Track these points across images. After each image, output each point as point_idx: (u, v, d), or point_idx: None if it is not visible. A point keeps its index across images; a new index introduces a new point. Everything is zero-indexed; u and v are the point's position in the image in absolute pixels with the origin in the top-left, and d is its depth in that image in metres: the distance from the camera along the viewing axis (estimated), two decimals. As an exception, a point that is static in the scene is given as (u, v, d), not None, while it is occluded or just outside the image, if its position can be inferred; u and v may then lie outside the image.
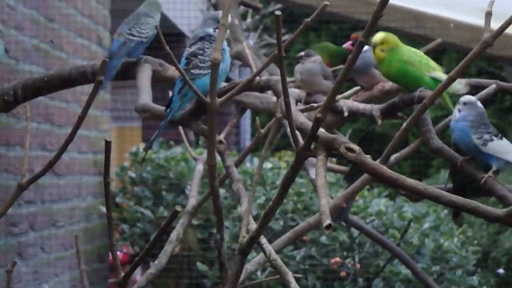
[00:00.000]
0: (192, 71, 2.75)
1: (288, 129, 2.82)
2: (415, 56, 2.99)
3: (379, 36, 2.98)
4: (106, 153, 1.95)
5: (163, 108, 2.95)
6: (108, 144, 1.95)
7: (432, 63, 3.02)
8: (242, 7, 7.13)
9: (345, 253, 5.82)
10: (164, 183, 6.02)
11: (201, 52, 2.77)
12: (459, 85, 2.68)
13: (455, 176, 3.13)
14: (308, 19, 2.83)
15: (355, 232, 5.73)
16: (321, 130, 2.12)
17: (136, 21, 3.23)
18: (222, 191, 5.80)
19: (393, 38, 3.01)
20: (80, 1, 5.28)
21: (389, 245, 4.10)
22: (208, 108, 2.18)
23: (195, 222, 5.83)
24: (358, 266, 5.79)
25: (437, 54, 10.63)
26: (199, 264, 5.77)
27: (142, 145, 6.27)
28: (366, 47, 3.36)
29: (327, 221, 1.90)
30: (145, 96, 3.08)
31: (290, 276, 2.23)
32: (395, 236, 5.77)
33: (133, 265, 2.02)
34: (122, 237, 5.95)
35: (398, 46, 3.00)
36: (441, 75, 2.95)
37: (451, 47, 4.05)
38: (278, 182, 5.87)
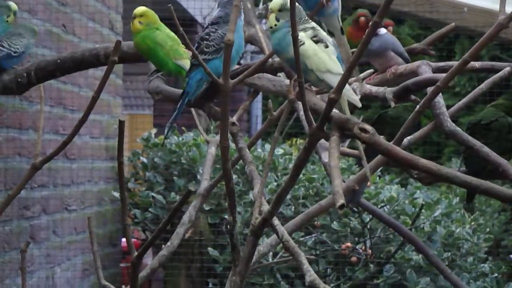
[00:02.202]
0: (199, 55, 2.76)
1: (301, 112, 2.82)
2: (168, 40, 3.13)
3: (140, 9, 3.12)
4: (120, 133, 1.95)
5: (175, 89, 2.96)
6: (121, 123, 1.95)
7: (182, 50, 3.16)
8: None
9: (356, 239, 5.82)
10: (176, 169, 6.03)
11: (207, 37, 2.79)
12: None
13: (469, 160, 3.12)
14: (321, 1, 2.82)
15: (367, 218, 5.73)
16: (335, 111, 2.12)
17: (9, 37, 3.54)
18: (234, 177, 5.80)
19: (153, 15, 3.15)
20: (93, -14, 5.28)
21: (401, 229, 4.10)
22: (221, 89, 2.18)
23: (206, 207, 5.83)
24: (369, 251, 5.79)
25: (449, 42, 10.60)
26: (210, 249, 5.78)
27: (154, 131, 6.27)
28: (383, 31, 3.36)
29: (341, 200, 1.90)
30: (158, 79, 3.10)
31: (303, 258, 2.23)
32: (407, 222, 5.76)
33: (146, 244, 2.02)
34: (134, 222, 5.96)
35: (157, 24, 3.14)
36: (186, 63, 3.10)
37: (465, 31, 4.03)
38: (290, 169, 5.86)
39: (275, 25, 2.34)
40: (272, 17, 2.34)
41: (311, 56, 2.34)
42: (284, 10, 2.34)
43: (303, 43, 2.31)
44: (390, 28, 3.54)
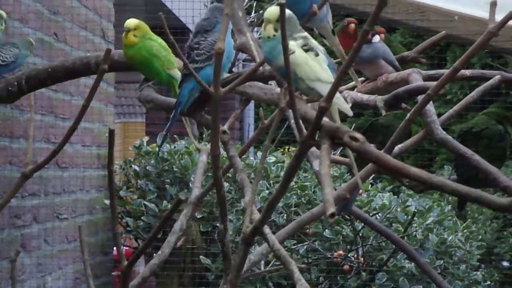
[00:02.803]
0: (190, 64, 2.77)
1: (292, 120, 2.82)
2: (162, 50, 3.12)
3: (132, 21, 3.09)
4: (110, 141, 1.95)
5: (166, 98, 2.96)
6: (112, 132, 1.95)
7: (172, 59, 3.16)
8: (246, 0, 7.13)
9: (348, 247, 5.81)
10: (168, 177, 6.02)
11: (196, 46, 2.79)
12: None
13: (460, 167, 3.13)
14: (314, 8, 2.83)
15: (359, 226, 5.73)
16: (325, 119, 2.11)
17: (1, 46, 3.56)
18: (225, 185, 5.80)
19: (145, 26, 3.14)
20: (84, -6, 5.27)
21: (393, 237, 4.10)
22: (211, 98, 2.17)
23: (198, 215, 5.83)
24: (362, 259, 5.79)
25: (440, 50, 10.63)
26: (202, 257, 5.77)
27: (146, 139, 6.27)
28: (377, 38, 3.38)
29: (331, 209, 1.89)
30: (149, 88, 3.10)
31: (294, 266, 2.22)
32: (399, 230, 5.76)
33: (137, 253, 2.02)
34: (126, 230, 5.95)
35: (149, 34, 3.13)
36: (177, 72, 3.10)
37: (455, 39, 4.04)
38: (282, 177, 5.86)
39: (274, 35, 2.31)
40: (269, 27, 2.32)
41: (301, 64, 2.34)
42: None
43: (293, 52, 2.31)
44: (382, 35, 3.55)
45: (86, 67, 3.42)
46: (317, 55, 2.35)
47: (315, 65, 2.33)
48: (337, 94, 2.22)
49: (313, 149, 2.80)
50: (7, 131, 4.13)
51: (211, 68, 2.74)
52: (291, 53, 2.27)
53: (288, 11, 2.30)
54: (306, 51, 2.35)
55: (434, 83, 2.44)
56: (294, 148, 7.71)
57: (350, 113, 2.35)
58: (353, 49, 1.99)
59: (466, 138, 3.20)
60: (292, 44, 2.31)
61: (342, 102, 2.36)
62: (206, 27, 2.83)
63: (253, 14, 9.58)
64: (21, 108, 4.23)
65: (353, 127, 6.26)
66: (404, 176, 2.04)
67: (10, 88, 3.54)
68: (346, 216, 5.65)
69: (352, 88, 3.23)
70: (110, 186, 2.00)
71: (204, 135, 6.64)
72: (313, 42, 2.40)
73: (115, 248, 6.10)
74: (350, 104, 2.92)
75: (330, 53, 3.16)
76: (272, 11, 2.32)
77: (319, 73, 2.32)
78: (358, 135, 2.05)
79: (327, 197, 1.95)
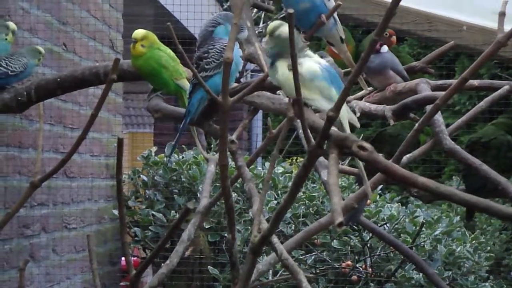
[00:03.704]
0: (200, 74, 2.78)
1: (300, 130, 2.82)
2: (171, 61, 3.13)
3: (140, 32, 3.10)
4: (119, 151, 1.95)
5: (174, 108, 2.97)
6: (120, 141, 1.95)
7: (181, 69, 3.17)
8: (255, 10, 7.14)
9: (356, 257, 5.80)
10: (176, 187, 6.03)
11: (205, 55, 2.81)
12: (353, 115, 2.56)
13: (469, 178, 3.12)
14: (322, 18, 2.84)
15: (367, 236, 5.72)
16: (333, 129, 2.11)
17: (9, 56, 3.57)
18: (233, 195, 5.80)
19: (153, 36, 3.14)
20: (93, 5, 5.29)
21: (401, 247, 4.09)
22: (220, 107, 2.18)
23: (206, 225, 5.83)
24: (370, 270, 5.78)
25: (449, 61, 10.62)
26: (210, 267, 5.77)
27: (154, 149, 6.28)
28: (385, 48, 3.38)
29: (339, 219, 1.89)
30: (157, 98, 3.11)
31: (302, 276, 2.22)
32: (407, 241, 5.75)
33: (145, 262, 2.02)
34: (134, 240, 5.95)
35: (157, 44, 3.14)
36: (185, 82, 3.11)
37: (464, 49, 4.04)
38: (289, 187, 5.85)
39: (271, 47, 2.34)
40: (266, 40, 2.36)
41: (284, 85, 2.35)
42: (273, 37, 2.33)
43: (276, 72, 2.33)
44: (394, 38, 3.54)
45: (95, 77, 3.43)
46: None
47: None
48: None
49: (321, 159, 2.80)
50: (16, 141, 4.15)
51: (219, 77, 2.76)
52: (276, 73, 2.30)
53: (282, 30, 2.32)
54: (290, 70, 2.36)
55: (443, 93, 2.44)
56: (302, 159, 7.71)
57: (357, 125, 2.35)
58: (361, 59, 1.99)
59: (475, 148, 3.20)
60: (281, 65, 2.33)
61: (348, 114, 2.37)
62: (205, 36, 2.85)
63: (261, 25, 9.60)
64: (30, 118, 4.24)
65: (361, 137, 6.26)
66: (413, 186, 2.03)
67: (19, 98, 3.56)
68: (354, 226, 5.64)
69: (360, 98, 3.24)
70: (119, 196, 2.00)
71: (212, 145, 6.64)
72: (315, 59, 2.40)
73: (123, 258, 6.10)
74: (358, 114, 2.92)
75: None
76: (270, 25, 2.35)
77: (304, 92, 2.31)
78: (367, 145, 2.05)
79: (335, 206, 1.95)
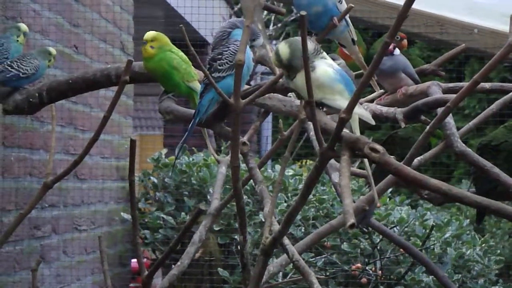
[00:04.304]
0: (213, 75, 2.79)
1: (311, 132, 2.83)
2: (182, 63, 3.12)
3: (150, 33, 3.10)
4: (131, 152, 1.96)
5: (186, 109, 2.97)
6: (133, 142, 1.96)
7: (193, 72, 3.17)
8: (265, 13, 7.15)
9: (366, 260, 5.80)
10: (186, 189, 6.03)
11: (219, 56, 2.82)
12: (366, 113, 2.54)
13: (478, 181, 3.12)
14: (334, 21, 2.84)
15: (377, 239, 5.72)
16: (345, 131, 2.12)
17: (21, 58, 3.58)
18: (244, 197, 5.80)
19: (164, 37, 3.13)
20: (104, 7, 5.31)
21: (411, 250, 4.08)
22: (232, 109, 2.19)
23: (216, 228, 5.83)
24: (380, 272, 5.77)
25: (459, 64, 10.61)
26: (220, 269, 5.77)
27: (164, 151, 6.29)
28: (397, 51, 3.38)
29: (351, 220, 1.90)
30: (169, 100, 3.12)
31: (313, 277, 2.23)
32: (417, 244, 5.74)
33: (157, 263, 2.03)
34: (144, 243, 5.96)
35: (169, 46, 3.13)
36: (197, 85, 3.11)
37: (474, 52, 4.04)
38: (300, 189, 5.85)
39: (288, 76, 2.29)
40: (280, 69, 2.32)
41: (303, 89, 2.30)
42: (284, 62, 2.29)
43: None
44: (405, 41, 3.53)
45: (107, 79, 3.44)
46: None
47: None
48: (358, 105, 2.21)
49: (332, 161, 2.81)
50: (27, 143, 4.16)
51: (231, 79, 2.76)
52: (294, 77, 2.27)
53: (292, 42, 2.27)
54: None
55: (454, 95, 2.44)
56: (312, 162, 7.71)
57: (372, 122, 2.35)
58: (374, 61, 1.99)
59: (485, 151, 3.19)
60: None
61: (362, 112, 2.36)
62: (222, 37, 2.85)
63: (271, 27, 9.61)
64: (41, 119, 4.26)
65: (371, 140, 6.25)
66: (424, 188, 2.04)
67: (31, 100, 3.57)
68: (364, 229, 5.64)
69: (372, 101, 3.24)
70: (132, 196, 2.01)
71: (222, 148, 6.65)
72: (328, 61, 2.38)
73: (132, 260, 6.11)
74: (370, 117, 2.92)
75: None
76: (281, 52, 2.26)
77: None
78: (378, 147, 2.06)
79: (347, 208, 1.96)
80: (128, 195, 3.52)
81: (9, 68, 3.57)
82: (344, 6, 2.95)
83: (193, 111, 2.99)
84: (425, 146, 2.80)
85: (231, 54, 2.81)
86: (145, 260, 6.40)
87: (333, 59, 3.21)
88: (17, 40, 3.64)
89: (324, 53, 2.35)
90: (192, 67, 3.18)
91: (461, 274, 5.96)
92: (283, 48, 2.24)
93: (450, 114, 2.67)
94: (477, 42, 3.91)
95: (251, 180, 2.72)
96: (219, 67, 2.80)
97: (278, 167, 6.29)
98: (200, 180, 5.99)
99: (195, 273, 5.84)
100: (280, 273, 5.11)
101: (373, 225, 4.00)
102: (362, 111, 2.33)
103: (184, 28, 2.25)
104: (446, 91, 3.13)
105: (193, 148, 6.40)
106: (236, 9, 9.28)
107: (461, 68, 10.62)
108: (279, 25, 9.99)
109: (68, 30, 4.71)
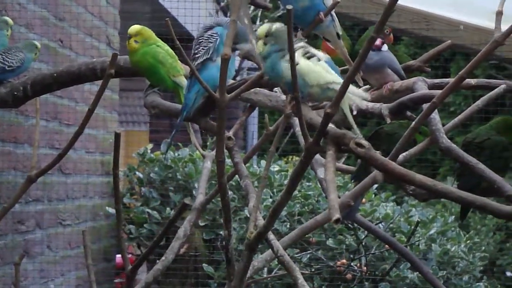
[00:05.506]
0: (193, 62, 2.79)
1: (297, 128, 2.82)
2: (168, 57, 3.11)
3: (134, 28, 3.08)
4: (116, 145, 1.95)
5: (171, 104, 2.96)
6: (117, 135, 1.95)
7: (179, 66, 3.15)
8: (252, 8, 7.14)
9: (351, 256, 5.81)
10: (172, 184, 6.02)
11: (197, 46, 2.82)
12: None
13: (462, 177, 3.12)
14: (320, 16, 2.84)
15: (362, 235, 5.72)
16: (331, 126, 2.12)
17: (6, 51, 3.56)
18: (229, 192, 5.79)
19: (148, 31, 3.12)
20: (90, 1, 5.29)
21: (396, 246, 4.09)
22: (217, 104, 2.18)
23: (201, 223, 5.83)
24: (365, 268, 5.78)
25: (445, 61, 10.64)
26: (205, 265, 5.77)
27: (150, 146, 6.27)
28: (385, 47, 3.38)
29: (336, 215, 1.89)
30: (154, 94, 3.10)
31: (298, 272, 2.22)
32: (402, 240, 5.75)
33: (141, 257, 2.02)
34: (129, 238, 5.95)
35: (154, 40, 3.11)
36: (182, 79, 3.10)
37: (460, 49, 4.04)
38: (285, 185, 5.85)
39: (266, 50, 2.37)
40: (260, 43, 2.38)
41: (308, 72, 2.36)
42: (270, 35, 2.36)
43: (297, 63, 2.32)
44: (391, 37, 3.53)
45: (92, 73, 3.42)
46: (318, 60, 2.39)
47: (320, 70, 2.37)
48: (349, 89, 2.25)
49: (318, 157, 2.80)
50: (11, 137, 4.14)
51: (213, 68, 2.76)
52: (297, 65, 2.29)
53: (277, 25, 2.35)
54: (308, 58, 2.39)
55: (439, 91, 2.44)
56: (298, 158, 7.72)
57: (363, 106, 2.37)
58: (360, 55, 1.99)
59: (469, 148, 3.19)
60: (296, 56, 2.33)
61: (352, 97, 2.39)
62: (206, 27, 2.86)
63: (258, 23, 9.60)
64: (26, 113, 4.24)
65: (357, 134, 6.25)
66: (409, 183, 2.04)
67: (15, 93, 3.55)
68: (349, 225, 5.65)
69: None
70: (116, 189, 2.00)
71: (208, 143, 6.64)
72: (313, 50, 2.43)
73: (117, 255, 6.10)
74: (355, 112, 2.92)
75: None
76: (260, 28, 2.37)
77: (326, 77, 2.37)
78: (364, 142, 2.06)
79: (332, 202, 1.96)
80: (113, 190, 3.51)
81: None
82: (330, 1, 2.95)
83: (178, 105, 2.98)
84: (410, 142, 2.80)
85: (204, 39, 2.80)
86: (129, 255, 6.40)
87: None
88: (7, 35, 3.62)
89: (311, 48, 2.37)
90: (179, 62, 3.17)
91: (446, 271, 5.98)
92: (267, 26, 2.32)
93: (436, 110, 2.67)
94: (463, 38, 3.91)
95: (237, 176, 2.72)
96: (196, 56, 2.80)
97: (263, 162, 6.28)
98: (186, 175, 5.98)
99: (180, 268, 5.84)
100: (265, 269, 5.11)
101: (359, 221, 4.00)
102: (353, 94, 2.37)
103: (171, 23, 2.24)
104: (432, 87, 3.13)
105: (179, 143, 6.39)
106: (222, 4, 9.27)
107: (447, 64, 10.65)
108: (266, 21, 9.98)
109: (53, 24, 4.69)
